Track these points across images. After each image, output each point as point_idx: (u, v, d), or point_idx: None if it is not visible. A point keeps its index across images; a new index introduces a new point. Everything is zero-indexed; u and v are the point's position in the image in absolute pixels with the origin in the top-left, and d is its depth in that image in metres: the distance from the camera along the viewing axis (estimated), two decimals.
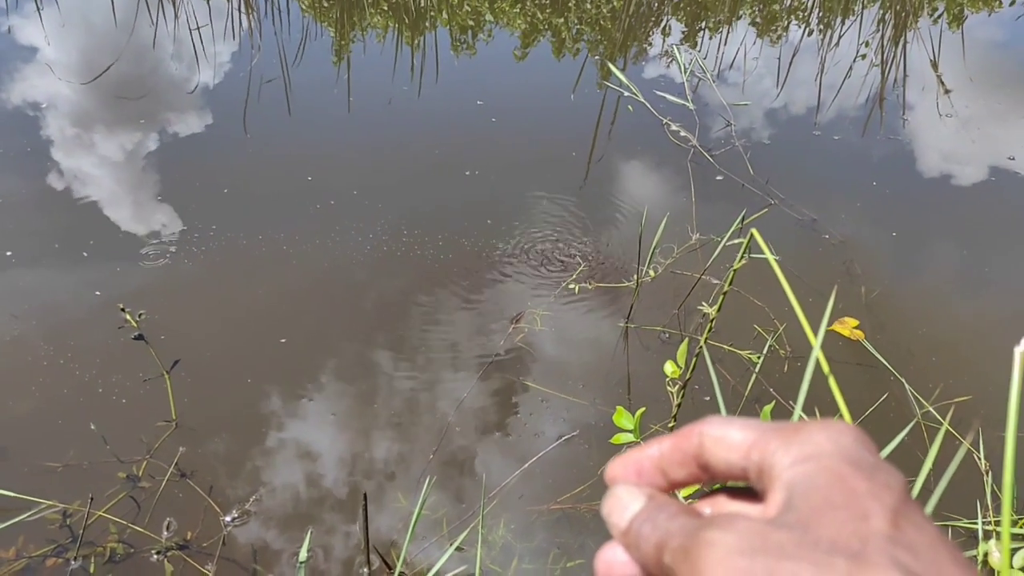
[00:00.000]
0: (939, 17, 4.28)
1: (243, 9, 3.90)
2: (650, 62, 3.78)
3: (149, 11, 3.81)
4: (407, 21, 3.97)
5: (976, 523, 1.78)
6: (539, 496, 1.90)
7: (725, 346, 2.19)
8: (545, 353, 2.20)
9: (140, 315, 2.00)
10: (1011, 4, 4.48)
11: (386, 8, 4.02)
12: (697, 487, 0.37)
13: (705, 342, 1.35)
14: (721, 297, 1.30)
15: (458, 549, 1.77)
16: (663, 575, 0.31)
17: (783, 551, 0.27)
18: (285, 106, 3.23)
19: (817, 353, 1.07)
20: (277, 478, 1.87)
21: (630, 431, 1.54)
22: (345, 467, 1.92)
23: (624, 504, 0.33)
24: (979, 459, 1.93)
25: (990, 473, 1.90)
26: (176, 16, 3.80)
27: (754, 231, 1.22)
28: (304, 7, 3.97)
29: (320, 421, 2.01)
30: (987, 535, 1.78)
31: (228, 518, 1.77)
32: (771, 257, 1.03)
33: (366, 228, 2.58)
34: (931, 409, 2.04)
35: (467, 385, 2.09)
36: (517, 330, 2.23)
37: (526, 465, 1.92)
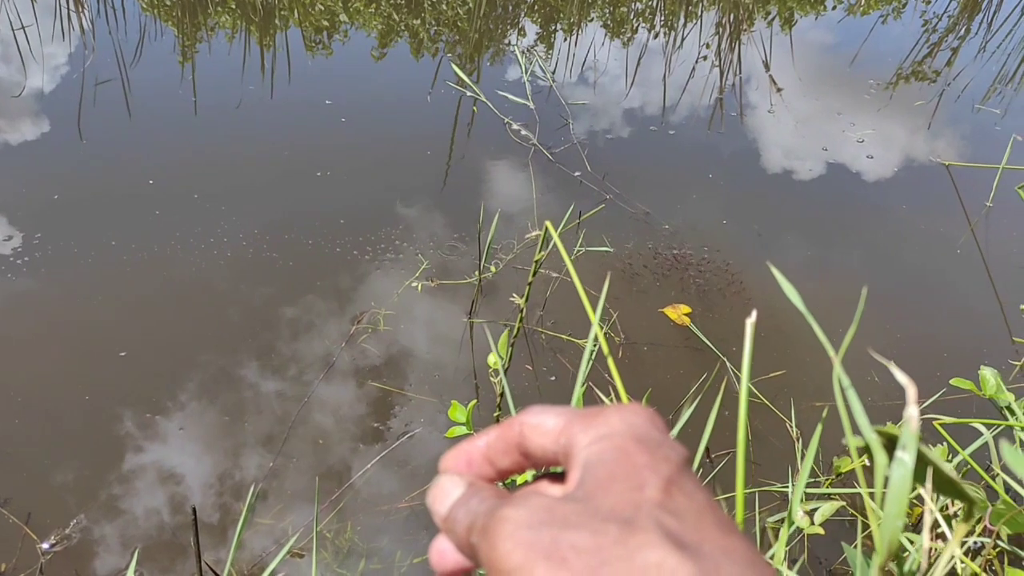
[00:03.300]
0: (772, 20, 4.60)
1: (73, 7, 3.67)
2: (508, 63, 3.85)
3: None
4: (256, 20, 3.86)
5: (787, 487, 1.94)
6: (387, 495, 1.91)
7: (564, 336, 2.28)
8: (389, 352, 2.21)
9: None
10: (833, 8, 4.87)
11: (233, 7, 3.89)
12: (533, 474, 0.40)
13: (519, 331, 1.40)
14: (527, 288, 1.36)
15: (297, 556, 1.76)
16: (472, 555, 0.32)
17: (567, 522, 0.28)
18: (125, 109, 3.08)
19: (596, 327, 1.14)
20: (103, 498, 1.79)
21: (463, 424, 1.58)
22: (177, 481, 1.86)
23: (446, 492, 0.35)
24: (791, 428, 2.10)
25: (800, 440, 2.07)
26: None
27: (548, 224, 1.29)
28: (144, 6, 3.78)
29: (153, 434, 1.93)
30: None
31: (46, 545, 1.67)
32: (562, 248, 1.09)
33: (208, 233, 2.50)
34: (750, 386, 2.20)
35: (308, 390, 2.07)
36: (359, 331, 2.22)
37: (369, 465, 1.93)
